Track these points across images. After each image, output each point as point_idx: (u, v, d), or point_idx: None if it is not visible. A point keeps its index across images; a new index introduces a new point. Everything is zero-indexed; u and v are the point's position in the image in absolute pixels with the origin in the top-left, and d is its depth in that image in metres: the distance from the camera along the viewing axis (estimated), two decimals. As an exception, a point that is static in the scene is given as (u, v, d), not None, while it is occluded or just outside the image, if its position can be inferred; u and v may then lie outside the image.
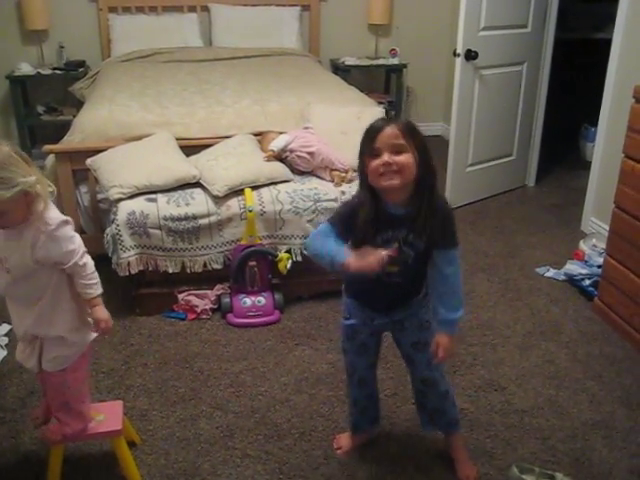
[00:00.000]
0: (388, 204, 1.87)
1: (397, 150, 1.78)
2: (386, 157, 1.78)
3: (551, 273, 3.61)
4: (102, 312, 1.96)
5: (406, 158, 1.78)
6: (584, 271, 3.46)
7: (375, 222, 1.86)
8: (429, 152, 1.84)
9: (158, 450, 2.33)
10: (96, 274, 1.94)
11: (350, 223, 1.89)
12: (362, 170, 1.87)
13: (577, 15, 5.76)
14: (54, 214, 1.84)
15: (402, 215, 1.87)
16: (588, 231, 4.08)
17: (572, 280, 3.49)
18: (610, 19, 3.94)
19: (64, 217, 1.85)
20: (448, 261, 1.93)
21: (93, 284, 1.93)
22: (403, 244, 1.89)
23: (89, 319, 2.00)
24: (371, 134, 1.81)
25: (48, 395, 2.09)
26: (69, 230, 1.86)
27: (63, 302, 1.93)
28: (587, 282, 3.40)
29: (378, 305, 2.06)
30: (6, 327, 2.99)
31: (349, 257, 1.79)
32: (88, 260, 1.92)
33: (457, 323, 1.98)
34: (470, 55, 4.14)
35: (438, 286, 1.97)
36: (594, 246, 3.67)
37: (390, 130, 1.78)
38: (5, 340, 2.92)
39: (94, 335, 2.02)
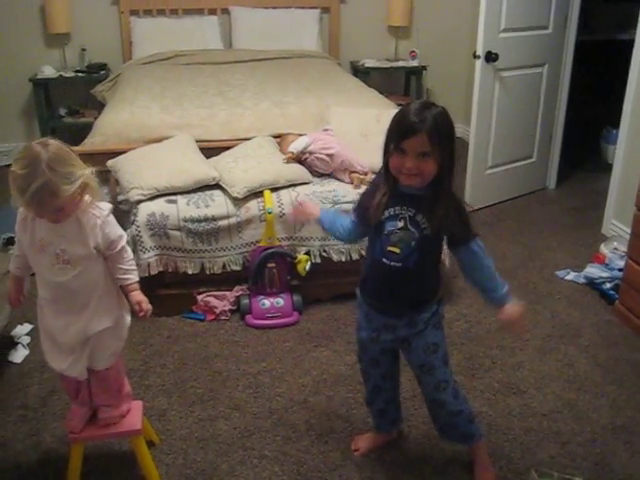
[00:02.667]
0: (402, 185, 1.88)
1: (423, 155, 1.78)
2: (409, 163, 1.78)
3: (571, 276, 3.58)
4: (141, 295, 2.03)
5: (429, 164, 1.78)
6: (605, 274, 3.43)
7: (387, 198, 1.88)
8: (453, 151, 1.83)
9: (177, 450, 2.35)
10: (134, 261, 2.03)
11: (367, 203, 1.94)
12: (386, 153, 1.86)
13: (599, 16, 5.72)
14: (102, 202, 1.94)
15: (414, 195, 1.87)
16: (609, 234, 4.04)
17: (593, 283, 3.46)
18: (633, 20, 3.90)
19: (108, 208, 1.93)
20: (473, 253, 1.91)
21: (133, 270, 2.01)
22: (409, 222, 1.87)
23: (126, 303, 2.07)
24: (401, 134, 1.78)
25: (100, 390, 2.09)
26: (113, 221, 1.95)
27: (111, 290, 2.00)
28: (608, 285, 3.38)
29: (379, 298, 2.02)
30: (28, 327, 3.03)
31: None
32: (129, 247, 2.01)
33: (508, 294, 1.95)
34: (490, 57, 4.12)
35: (476, 279, 1.96)
36: (615, 249, 3.64)
37: (419, 138, 1.75)
38: (27, 339, 2.95)
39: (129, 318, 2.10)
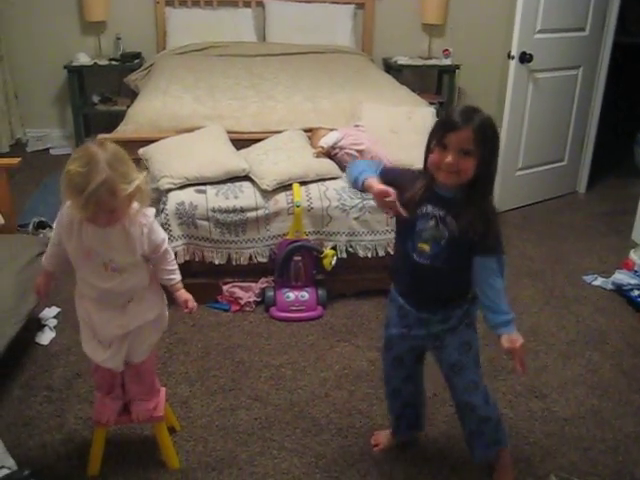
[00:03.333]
0: (438, 185, 1.87)
1: (464, 152, 1.77)
2: (450, 158, 1.77)
3: (599, 282, 3.54)
4: (186, 293, 2.08)
5: (469, 163, 1.77)
6: (633, 281, 3.39)
7: (422, 195, 1.88)
8: (495, 156, 1.83)
9: (197, 437, 2.37)
10: (175, 261, 2.07)
11: (399, 181, 1.91)
12: (428, 148, 1.86)
13: (637, 19, 5.63)
14: (147, 210, 1.92)
15: (448, 197, 1.86)
16: (639, 241, 3.99)
17: (620, 290, 3.42)
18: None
19: (150, 212, 1.94)
20: (491, 270, 1.87)
21: (176, 269, 2.06)
22: (440, 222, 1.87)
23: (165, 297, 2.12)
24: (446, 127, 1.78)
25: (135, 383, 2.13)
26: (158, 226, 1.98)
27: (155, 288, 2.06)
28: (636, 293, 3.33)
29: (409, 292, 2.02)
30: (55, 309, 3.08)
31: (373, 179, 1.87)
32: (170, 249, 2.04)
33: (508, 324, 1.90)
34: (525, 57, 4.08)
35: (480, 291, 1.92)
36: (645, 256, 3.59)
37: (465, 133, 1.74)
38: (54, 322, 3.00)
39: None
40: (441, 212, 1.87)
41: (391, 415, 2.33)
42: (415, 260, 1.93)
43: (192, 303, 2.08)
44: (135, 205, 1.84)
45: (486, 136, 1.78)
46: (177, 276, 2.06)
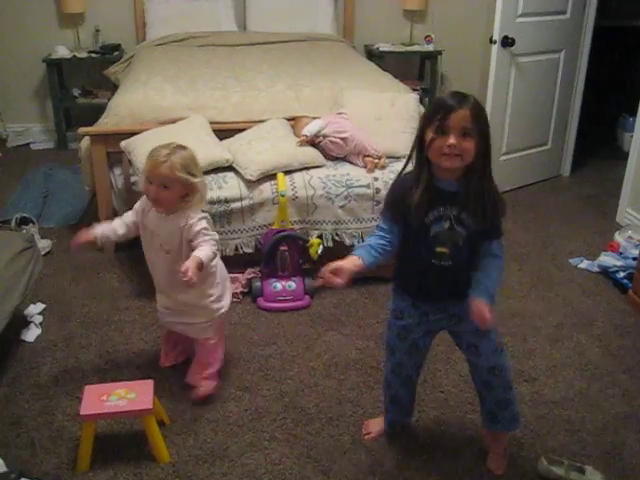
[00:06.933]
0: (440, 179, 1.86)
1: (464, 133, 1.77)
2: (452, 139, 1.76)
3: (585, 264, 3.56)
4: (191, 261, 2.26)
5: (469, 143, 1.78)
6: (619, 263, 3.41)
7: (427, 198, 1.84)
8: (489, 136, 1.83)
9: (187, 430, 2.36)
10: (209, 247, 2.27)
11: (401, 204, 1.88)
12: (420, 141, 1.84)
13: (619, 1, 5.64)
14: (198, 212, 2.31)
15: (454, 192, 1.85)
16: (624, 223, 4.02)
17: (606, 272, 3.44)
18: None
19: (203, 215, 2.32)
20: (495, 251, 1.94)
21: (203, 249, 2.27)
22: (455, 223, 1.86)
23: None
24: (443, 111, 1.77)
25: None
26: (204, 222, 2.30)
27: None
28: (621, 274, 3.36)
29: (430, 295, 2.00)
30: (40, 306, 3.05)
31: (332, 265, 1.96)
32: (210, 249, 2.27)
33: (493, 297, 1.91)
34: (507, 42, 4.07)
35: (485, 269, 1.94)
36: (630, 238, 3.61)
37: (463, 112, 1.75)
38: (40, 318, 2.97)
39: None
40: (454, 211, 1.86)
41: (393, 409, 2.30)
42: (434, 264, 1.91)
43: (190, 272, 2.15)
44: (193, 201, 2.29)
45: (481, 114, 1.80)
46: (198, 253, 2.22)
